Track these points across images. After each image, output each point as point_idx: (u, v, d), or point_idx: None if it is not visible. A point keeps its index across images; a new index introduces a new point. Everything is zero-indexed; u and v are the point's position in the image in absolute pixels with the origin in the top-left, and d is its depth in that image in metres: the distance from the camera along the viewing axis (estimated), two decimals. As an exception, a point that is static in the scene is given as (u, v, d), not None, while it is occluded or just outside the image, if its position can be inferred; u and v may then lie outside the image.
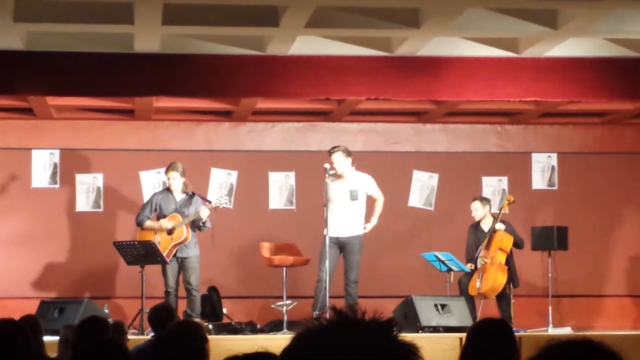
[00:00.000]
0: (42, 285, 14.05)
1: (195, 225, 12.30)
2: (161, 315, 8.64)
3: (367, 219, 12.40)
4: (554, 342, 2.69)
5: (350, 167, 12.32)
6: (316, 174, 12.76)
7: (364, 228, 12.31)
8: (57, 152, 14.28)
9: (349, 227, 12.17)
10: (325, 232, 12.15)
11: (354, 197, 12.21)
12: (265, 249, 13.02)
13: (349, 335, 2.24)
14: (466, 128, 14.88)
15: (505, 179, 14.90)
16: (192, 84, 11.83)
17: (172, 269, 12.25)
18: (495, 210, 13.46)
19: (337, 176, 12.28)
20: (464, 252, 13.05)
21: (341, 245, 12.12)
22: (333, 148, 12.35)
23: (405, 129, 14.81)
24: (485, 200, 13.19)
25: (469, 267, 12.72)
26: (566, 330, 12.81)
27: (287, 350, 2.29)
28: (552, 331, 12.71)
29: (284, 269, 12.60)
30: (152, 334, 8.92)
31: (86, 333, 6.60)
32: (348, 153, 12.30)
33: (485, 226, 12.95)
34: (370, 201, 12.48)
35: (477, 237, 12.93)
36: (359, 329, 2.26)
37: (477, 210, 13.01)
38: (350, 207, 12.21)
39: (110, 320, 8.60)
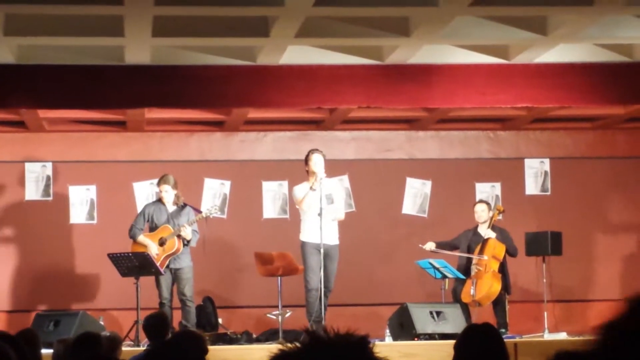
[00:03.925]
0: (37, 298, 14.04)
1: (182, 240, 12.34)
2: (156, 324, 8.65)
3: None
4: (562, 352, 2.70)
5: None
6: (309, 183, 12.76)
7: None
8: (49, 165, 14.28)
9: (331, 235, 12.12)
10: (304, 239, 12.13)
11: (330, 200, 12.15)
12: (260, 258, 13.02)
13: (324, 357, 2.26)
14: (458, 135, 14.90)
15: (498, 185, 14.92)
16: (183, 95, 11.83)
17: (165, 280, 12.26)
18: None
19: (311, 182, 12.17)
20: (457, 259, 13.04)
21: (324, 253, 11.99)
22: (314, 150, 12.25)
23: (398, 136, 14.83)
24: (489, 204, 13.22)
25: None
26: (562, 336, 12.81)
27: None
28: (548, 336, 12.71)
29: (279, 278, 12.61)
30: (148, 344, 8.92)
31: (80, 350, 6.61)
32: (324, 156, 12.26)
33: (483, 231, 12.96)
34: None
35: (474, 242, 12.94)
36: (333, 349, 2.28)
37: (483, 212, 13.01)
38: (329, 212, 12.11)
39: (106, 333, 8.61)
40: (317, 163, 12.03)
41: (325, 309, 12.05)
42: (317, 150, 12.25)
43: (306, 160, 12.16)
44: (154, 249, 12.25)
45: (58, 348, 7.64)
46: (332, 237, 12.12)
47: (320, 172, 11.95)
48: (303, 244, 12.20)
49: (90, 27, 10.44)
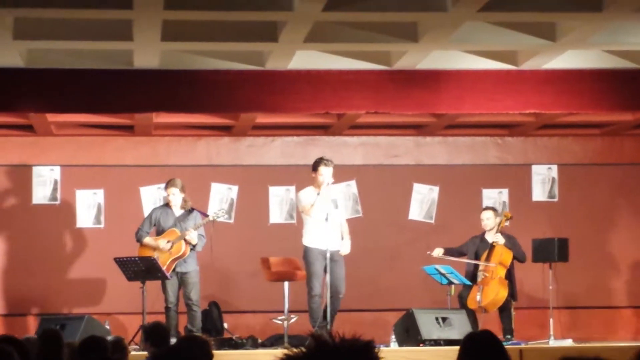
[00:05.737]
0: (43, 301, 14.04)
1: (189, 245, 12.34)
2: (157, 333, 8.64)
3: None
4: (568, 358, 2.71)
5: None
6: (316, 188, 12.76)
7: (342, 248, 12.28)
8: (57, 169, 14.29)
9: (336, 240, 12.15)
10: (309, 244, 12.13)
11: (335, 205, 12.20)
12: (266, 263, 13.02)
13: None
14: (466, 140, 14.89)
15: (505, 191, 14.90)
16: (191, 99, 11.84)
17: (172, 284, 12.26)
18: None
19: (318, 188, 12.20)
20: (464, 265, 13.03)
21: (330, 258, 12.01)
22: (323, 161, 12.24)
23: (405, 142, 14.82)
24: (495, 211, 13.20)
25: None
26: (567, 342, 12.79)
27: None
28: (554, 343, 12.69)
29: (285, 283, 12.60)
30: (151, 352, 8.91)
31: (86, 353, 6.61)
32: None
33: (490, 238, 12.94)
34: None
35: (481, 249, 12.92)
36: (338, 354, 2.27)
37: (489, 219, 12.99)
38: (334, 217, 12.14)
39: (111, 337, 8.59)
40: (324, 175, 12.07)
41: (335, 314, 12.07)
42: (325, 161, 12.21)
43: (314, 169, 12.18)
44: (163, 244, 12.23)
45: (64, 351, 7.62)
46: (336, 243, 12.14)
47: (328, 181, 12.03)
48: (307, 250, 12.19)
49: (99, 31, 10.45)
